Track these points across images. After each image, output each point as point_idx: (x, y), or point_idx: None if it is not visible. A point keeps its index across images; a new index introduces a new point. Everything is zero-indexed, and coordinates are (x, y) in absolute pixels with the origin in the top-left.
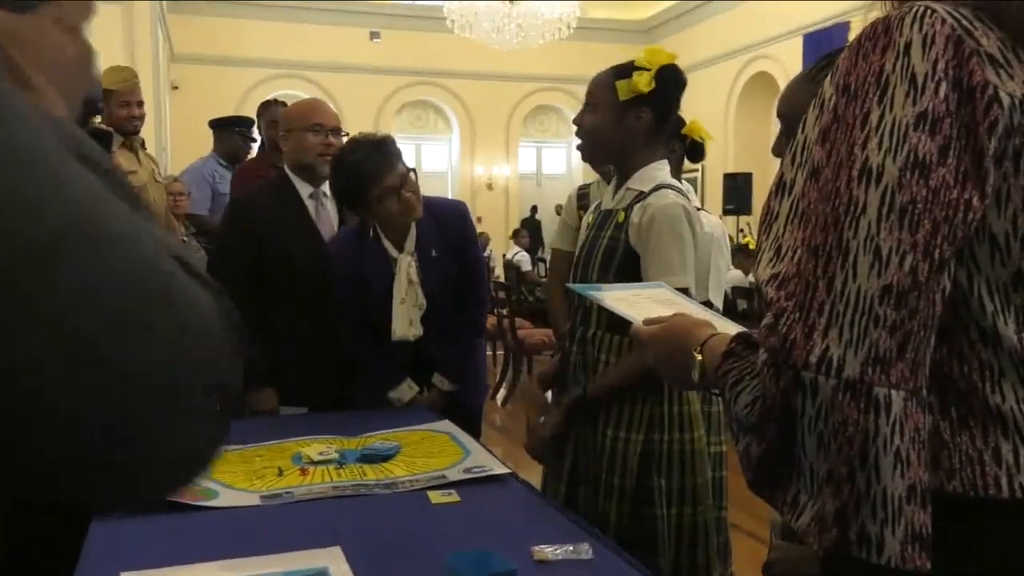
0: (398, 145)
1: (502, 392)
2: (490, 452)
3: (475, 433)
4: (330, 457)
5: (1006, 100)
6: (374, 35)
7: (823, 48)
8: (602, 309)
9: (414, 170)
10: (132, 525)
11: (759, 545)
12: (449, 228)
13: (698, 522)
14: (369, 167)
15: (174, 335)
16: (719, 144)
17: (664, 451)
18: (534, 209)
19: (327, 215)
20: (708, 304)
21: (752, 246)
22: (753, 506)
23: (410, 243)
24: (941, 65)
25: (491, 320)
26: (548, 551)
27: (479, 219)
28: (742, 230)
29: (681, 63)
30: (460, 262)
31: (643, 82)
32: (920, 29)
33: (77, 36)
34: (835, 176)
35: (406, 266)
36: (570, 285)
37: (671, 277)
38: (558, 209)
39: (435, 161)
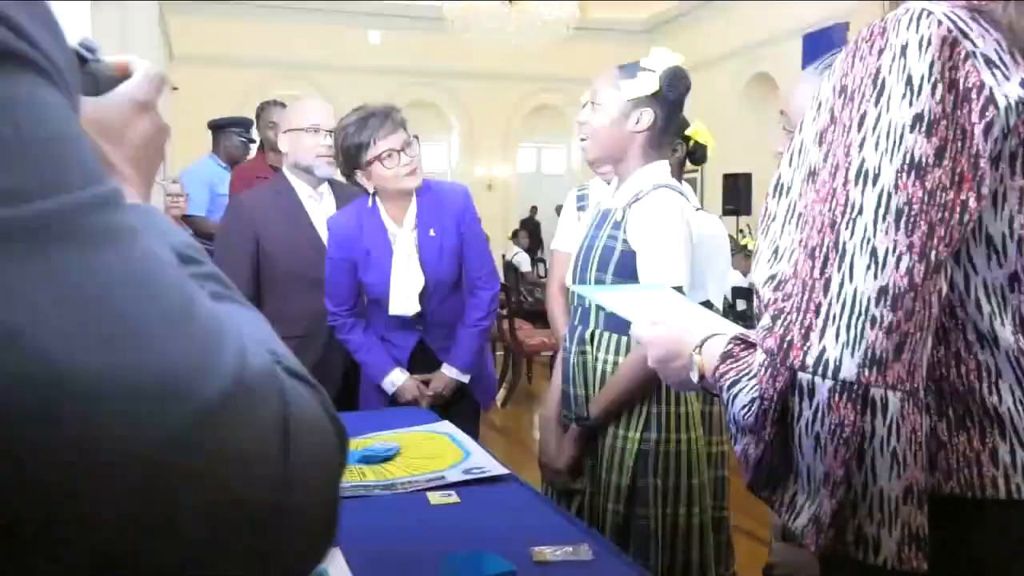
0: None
1: (502, 393)
2: (489, 453)
3: (473, 434)
4: None
5: (1002, 101)
6: (373, 35)
7: (823, 48)
8: (601, 308)
9: (416, 137)
10: None
11: (759, 545)
12: (451, 208)
13: (692, 523)
14: (370, 126)
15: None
16: (718, 144)
17: (660, 451)
18: (534, 210)
19: (326, 215)
20: (708, 305)
21: (751, 247)
22: (753, 506)
23: (409, 218)
24: (937, 67)
25: None
26: (547, 552)
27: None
28: (742, 231)
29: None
30: (462, 242)
31: (648, 83)
32: (916, 31)
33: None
34: (832, 177)
35: (404, 241)
36: (570, 286)
37: (664, 275)
38: (558, 210)
39: (434, 161)
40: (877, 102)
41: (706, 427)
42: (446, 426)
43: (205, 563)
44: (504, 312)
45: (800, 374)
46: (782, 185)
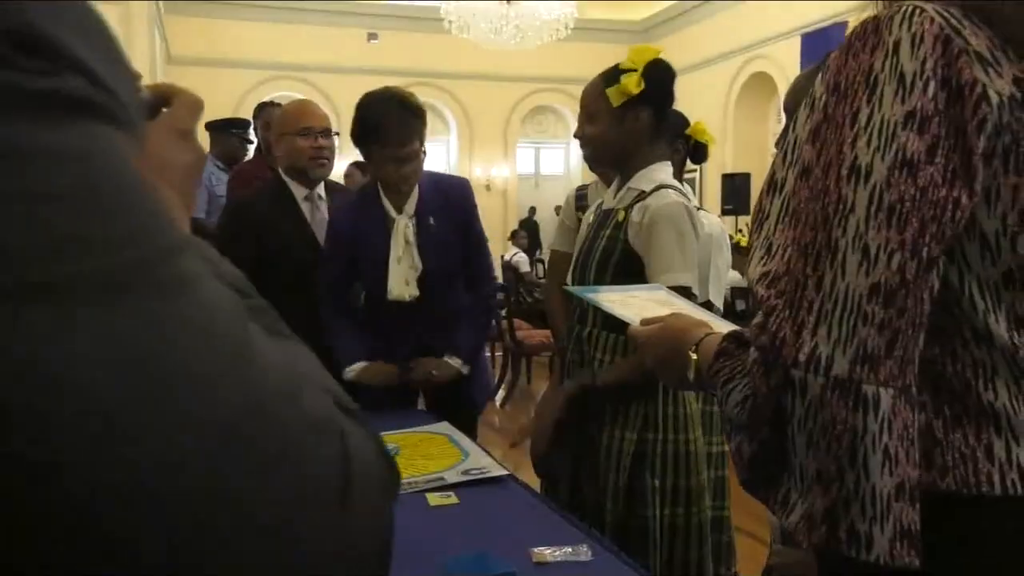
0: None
1: (501, 393)
2: (488, 454)
3: (471, 434)
4: None
5: (995, 98)
6: (371, 36)
7: (821, 48)
8: (599, 308)
9: (425, 151)
10: None
11: (759, 545)
12: (452, 200)
13: (691, 523)
14: (388, 129)
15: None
16: (717, 144)
17: (658, 451)
18: (532, 210)
19: (322, 217)
20: (709, 304)
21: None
22: (752, 506)
23: (410, 206)
24: (930, 64)
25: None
26: (547, 552)
27: None
28: (740, 230)
29: (679, 63)
30: (462, 235)
31: (632, 83)
32: (909, 28)
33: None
34: (825, 175)
35: (403, 227)
36: (567, 287)
37: (674, 275)
38: (557, 210)
39: (433, 162)
40: (870, 99)
41: (706, 427)
42: (445, 427)
43: None
44: (503, 312)
45: (792, 371)
46: (776, 182)
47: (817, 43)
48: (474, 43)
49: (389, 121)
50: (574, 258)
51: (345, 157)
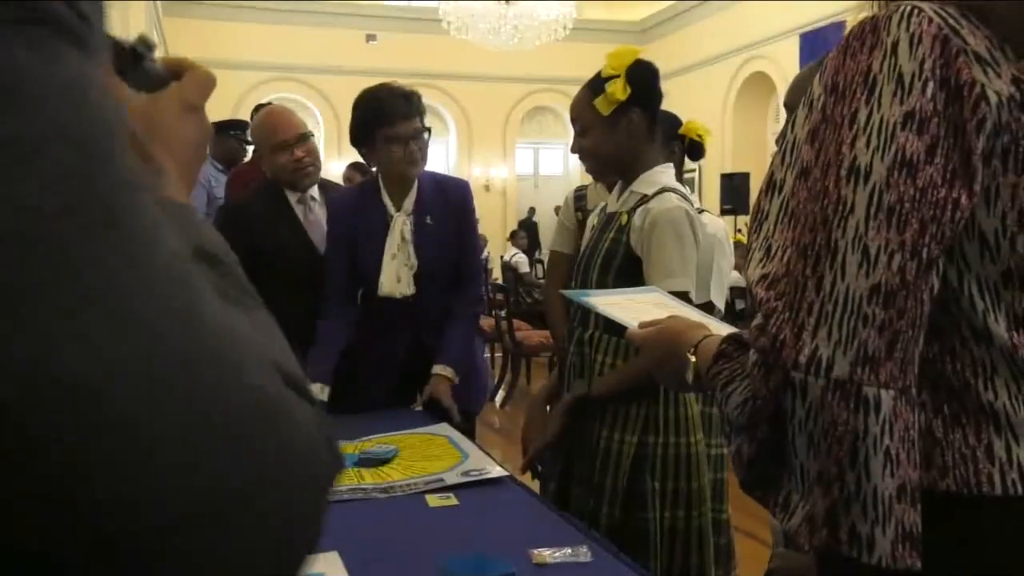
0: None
1: (500, 394)
2: (488, 455)
3: (469, 435)
4: None
5: (993, 98)
6: (370, 37)
7: (820, 47)
8: (596, 312)
9: (429, 130)
10: None
11: (759, 546)
12: (452, 201)
13: (692, 526)
14: (389, 107)
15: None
16: (716, 144)
17: (658, 454)
18: (532, 211)
19: (316, 218)
20: (710, 305)
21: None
22: (752, 506)
23: (408, 203)
24: (928, 64)
25: (489, 322)
26: (546, 554)
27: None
28: (739, 230)
29: (677, 63)
30: (458, 235)
31: (619, 90)
32: (907, 28)
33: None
34: (824, 176)
35: (400, 224)
36: (564, 292)
37: (672, 280)
38: (557, 210)
39: (432, 163)
40: (868, 100)
41: (706, 429)
42: (444, 428)
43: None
44: (503, 313)
45: (793, 373)
46: (775, 183)
47: (816, 43)
48: (473, 44)
49: (389, 103)
50: (577, 261)
51: (344, 158)
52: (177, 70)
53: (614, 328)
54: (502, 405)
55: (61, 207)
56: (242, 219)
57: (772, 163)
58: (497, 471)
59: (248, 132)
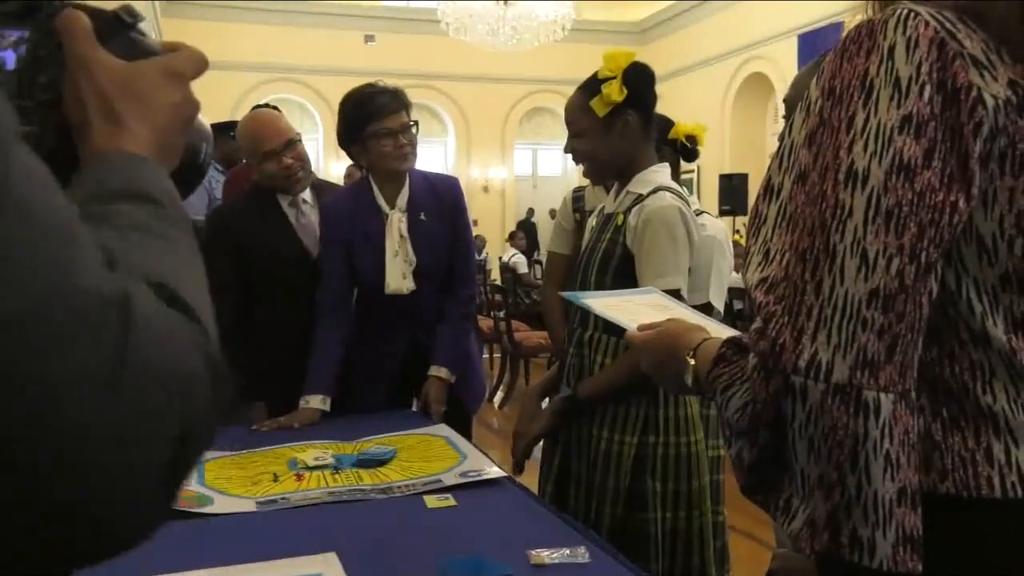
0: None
1: (499, 395)
2: (486, 456)
3: (467, 435)
4: (326, 462)
5: (990, 102)
6: (369, 38)
7: (818, 48)
8: (594, 313)
9: (416, 123)
10: None
11: (757, 546)
12: (443, 197)
13: (693, 527)
14: (376, 103)
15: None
16: (715, 145)
17: (659, 454)
18: (530, 211)
19: (308, 221)
20: (709, 306)
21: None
22: (750, 507)
23: (402, 200)
24: (925, 68)
25: (488, 323)
26: (544, 555)
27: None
28: (738, 231)
29: (676, 64)
30: (452, 234)
31: (615, 91)
32: (904, 32)
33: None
34: (821, 180)
35: (396, 221)
36: (563, 293)
37: (664, 279)
38: (552, 213)
39: (430, 164)
40: (865, 104)
41: (703, 431)
42: (443, 429)
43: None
44: (501, 314)
45: (792, 377)
46: (772, 187)
47: (814, 43)
48: (471, 45)
49: (375, 99)
50: (576, 262)
51: (344, 158)
52: (172, 48)
53: (614, 329)
54: (500, 406)
55: None
56: (230, 226)
57: (770, 167)
58: (495, 472)
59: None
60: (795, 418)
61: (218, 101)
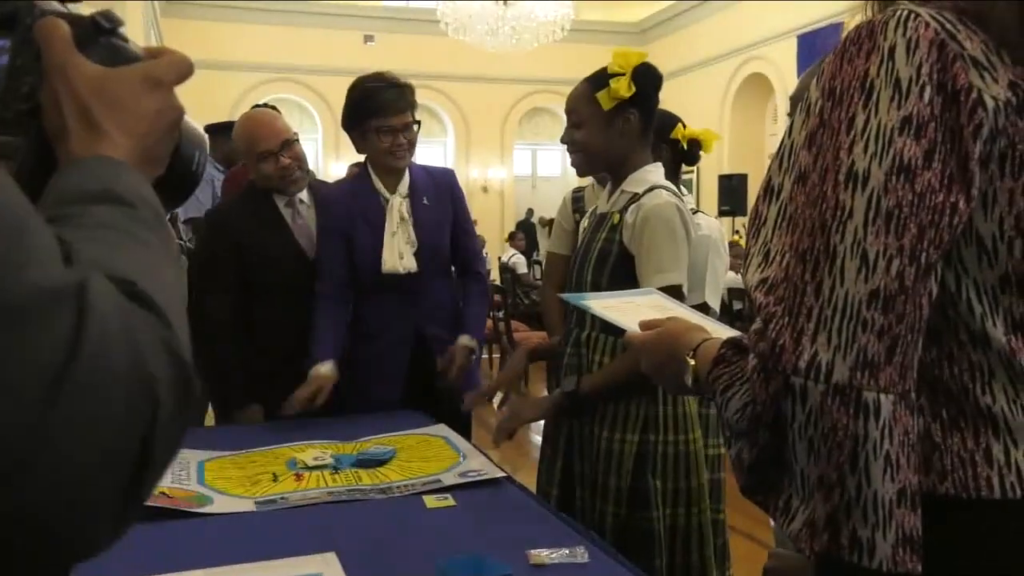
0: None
1: (498, 395)
2: (485, 455)
3: (466, 435)
4: (325, 462)
5: (990, 103)
6: (368, 38)
7: (817, 49)
8: (594, 315)
9: (419, 123)
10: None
11: (756, 546)
12: (441, 185)
13: (693, 524)
14: (382, 99)
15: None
16: (714, 145)
17: (659, 452)
18: (530, 212)
19: (304, 222)
20: (705, 306)
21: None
22: (750, 507)
23: (403, 187)
24: (925, 69)
25: (487, 323)
26: (544, 555)
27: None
28: (737, 231)
29: (675, 64)
30: (452, 218)
31: (623, 87)
32: (904, 33)
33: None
34: (822, 181)
35: (398, 204)
36: (562, 295)
37: (664, 275)
38: (542, 222)
39: (430, 164)
40: (866, 105)
41: (703, 430)
42: (442, 429)
43: None
44: (500, 314)
45: (792, 378)
46: (772, 188)
47: (813, 44)
48: (471, 45)
49: (382, 95)
50: (572, 261)
51: (343, 159)
52: (154, 54)
53: (611, 328)
54: (500, 406)
55: None
56: (226, 227)
57: (770, 168)
58: (495, 472)
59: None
60: (795, 419)
61: (217, 101)
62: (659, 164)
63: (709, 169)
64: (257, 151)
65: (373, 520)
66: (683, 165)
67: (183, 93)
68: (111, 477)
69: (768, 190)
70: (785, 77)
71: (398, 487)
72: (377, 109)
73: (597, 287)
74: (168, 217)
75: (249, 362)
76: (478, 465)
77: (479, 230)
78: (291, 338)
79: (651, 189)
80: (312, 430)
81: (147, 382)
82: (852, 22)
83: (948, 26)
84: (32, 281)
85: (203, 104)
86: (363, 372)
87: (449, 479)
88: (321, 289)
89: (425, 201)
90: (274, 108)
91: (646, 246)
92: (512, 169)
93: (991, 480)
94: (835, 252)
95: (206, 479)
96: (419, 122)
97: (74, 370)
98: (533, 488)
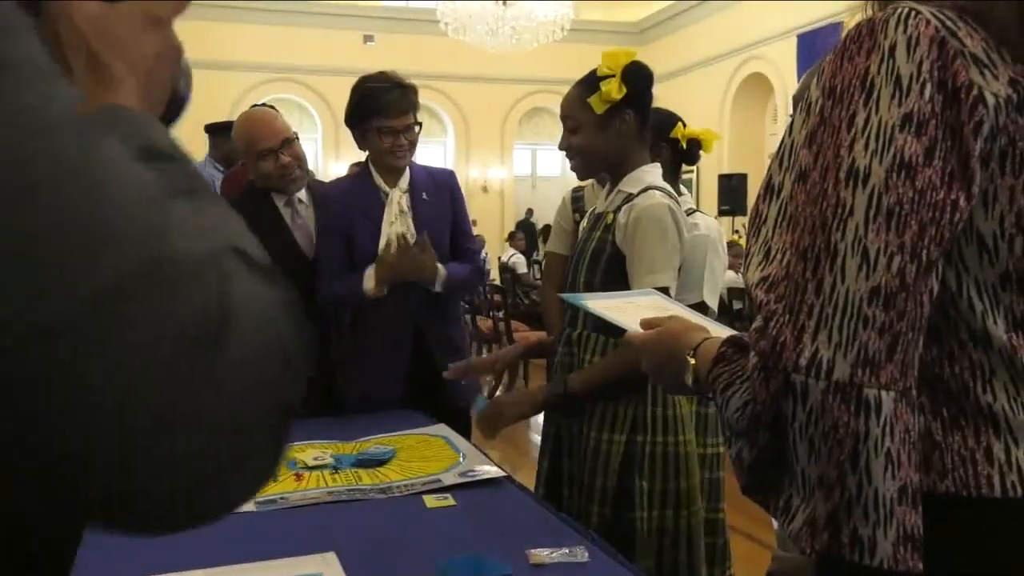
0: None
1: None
2: (485, 455)
3: (466, 435)
4: (325, 462)
5: (991, 100)
6: (368, 38)
7: (817, 48)
8: (594, 314)
9: (421, 124)
10: None
11: (756, 546)
12: (440, 184)
13: (681, 526)
14: (385, 100)
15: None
16: (713, 145)
17: (646, 453)
18: (529, 212)
19: (303, 222)
20: (703, 305)
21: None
22: (750, 508)
23: (403, 182)
24: (926, 66)
25: (487, 323)
26: (544, 554)
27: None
28: (737, 231)
29: (675, 64)
30: (451, 217)
31: (614, 89)
32: (904, 31)
33: (162, 31)
34: (822, 179)
35: (397, 197)
36: (562, 295)
37: (652, 276)
38: (543, 234)
39: (428, 164)
40: (866, 102)
41: (701, 429)
42: (442, 429)
43: (107, 464)
44: (500, 314)
45: (793, 376)
46: (773, 186)
47: (813, 43)
48: (470, 45)
49: (385, 96)
50: (569, 263)
51: (343, 159)
52: None
53: (603, 327)
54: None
55: None
56: None
57: (770, 167)
58: (494, 472)
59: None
60: (795, 417)
61: (217, 101)
62: (657, 164)
63: (709, 169)
64: (257, 149)
65: (373, 520)
66: (683, 165)
67: None
68: (266, 422)
69: (769, 189)
70: (785, 77)
71: (398, 487)
72: (379, 110)
73: (590, 287)
74: None
75: None
76: (478, 465)
77: (479, 230)
78: None
79: (646, 189)
80: (312, 430)
81: (280, 338)
82: (852, 21)
83: (948, 24)
84: (181, 251)
85: (203, 104)
86: (363, 371)
87: (449, 479)
88: (320, 284)
89: (425, 197)
90: (272, 108)
91: (637, 247)
92: (512, 169)
93: (991, 478)
94: (836, 250)
95: None
96: (421, 123)
97: (227, 334)
98: (533, 488)
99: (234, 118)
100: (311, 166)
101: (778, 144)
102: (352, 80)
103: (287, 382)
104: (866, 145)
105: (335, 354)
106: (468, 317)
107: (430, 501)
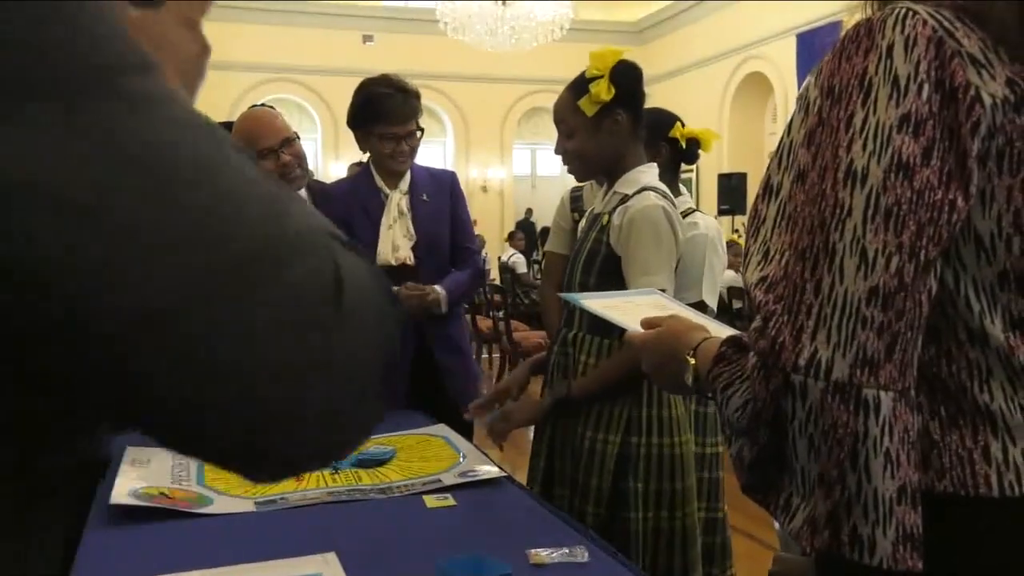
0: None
1: (507, 405)
2: (485, 455)
3: (467, 435)
4: None
5: (988, 100)
6: (367, 38)
7: (816, 48)
8: (585, 311)
9: (423, 129)
10: (125, 533)
11: (756, 545)
12: (442, 185)
13: (676, 527)
14: (387, 107)
15: (355, 325)
16: (713, 144)
17: (642, 454)
18: (529, 211)
19: None
20: (702, 304)
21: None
22: (750, 507)
23: (404, 183)
24: (923, 66)
25: (487, 323)
26: (544, 554)
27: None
28: (736, 231)
29: (674, 64)
30: (451, 217)
31: (603, 90)
32: (902, 31)
33: (196, 32)
34: (821, 179)
35: (397, 199)
36: (562, 295)
37: (648, 277)
38: (542, 237)
39: (429, 164)
40: (864, 103)
41: (700, 429)
42: (442, 429)
43: (232, 410)
44: (500, 314)
45: (792, 375)
46: (771, 187)
47: (812, 43)
48: (470, 45)
49: (389, 102)
50: (567, 263)
51: (343, 159)
52: None
53: (598, 328)
54: (500, 406)
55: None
56: None
57: (769, 167)
58: (495, 472)
59: None
60: (795, 416)
61: (216, 101)
62: (653, 164)
63: (708, 168)
64: (257, 148)
65: (373, 520)
66: (682, 164)
67: None
68: (376, 369)
69: (767, 188)
70: (784, 76)
71: (398, 487)
72: (381, 116)
73: (585, 287)
74: None
75: None
76: (478, 465)
77: (479, 230)
78: None
79: (641, 191)
80: None
81: (377, 300)
82: (851, 20)
83: (946, 24)
84: (297, 228)
85: (202, 104)
86: None
87: (449, 479)
88: None
89: (424, 197)
90: (272, 108)
91: (632, 248)
92: (511, 169)
93: (989, 478)
94: (834, 250)
95: (206, 479)
96: (423, 129)
97: (343, 297)
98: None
99: (233, 118)
100: (311, 166)
101: (777, 143)
102: (352, 80)
103: (385, 336)
104: (864, 145)
105: None
106: (468, 317)
107: (430, 501)
